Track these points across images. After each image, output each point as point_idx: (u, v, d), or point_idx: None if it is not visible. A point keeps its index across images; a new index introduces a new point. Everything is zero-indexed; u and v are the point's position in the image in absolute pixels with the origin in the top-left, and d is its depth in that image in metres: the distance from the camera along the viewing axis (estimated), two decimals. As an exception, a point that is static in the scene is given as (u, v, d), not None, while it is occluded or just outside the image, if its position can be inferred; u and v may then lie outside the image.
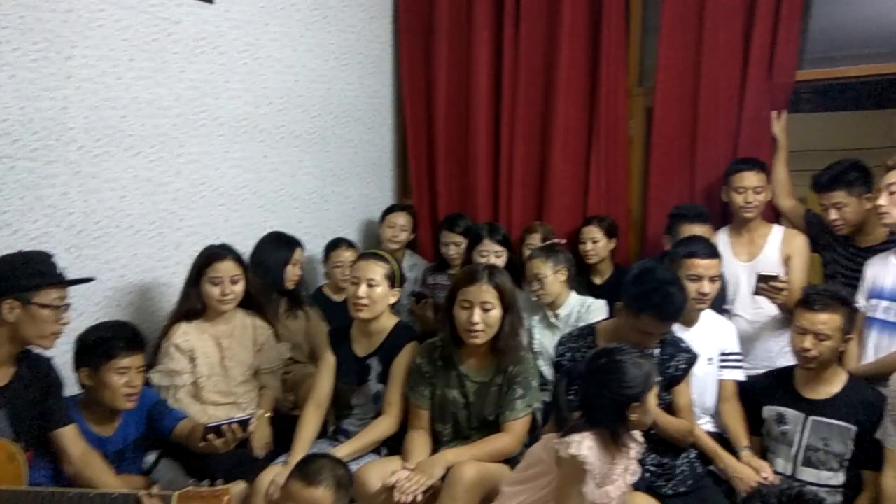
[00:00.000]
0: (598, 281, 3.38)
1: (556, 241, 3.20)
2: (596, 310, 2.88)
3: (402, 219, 3.65)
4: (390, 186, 4.17)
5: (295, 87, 3.44)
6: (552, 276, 2.89)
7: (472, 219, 3.60)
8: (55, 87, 2.47)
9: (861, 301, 2.60)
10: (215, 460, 2.31)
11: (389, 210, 3.70)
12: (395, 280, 2.49)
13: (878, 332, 2.51)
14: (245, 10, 3.16)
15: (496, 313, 2.25)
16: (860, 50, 3.25)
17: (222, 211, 3.10)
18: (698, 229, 2.95)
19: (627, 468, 1.93)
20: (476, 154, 3.80)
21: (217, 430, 2.20)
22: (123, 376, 2.21)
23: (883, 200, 2.46)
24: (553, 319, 2.94)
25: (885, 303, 2.50)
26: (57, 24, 2.47)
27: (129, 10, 2.69)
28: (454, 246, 3.43)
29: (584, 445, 1.83)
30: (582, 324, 2.75)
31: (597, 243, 3.33)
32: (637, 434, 1.98)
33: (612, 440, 1.89)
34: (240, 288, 2.61)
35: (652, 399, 1.90)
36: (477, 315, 2.23)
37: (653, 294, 2.14)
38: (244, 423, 2.26)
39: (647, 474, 2.25)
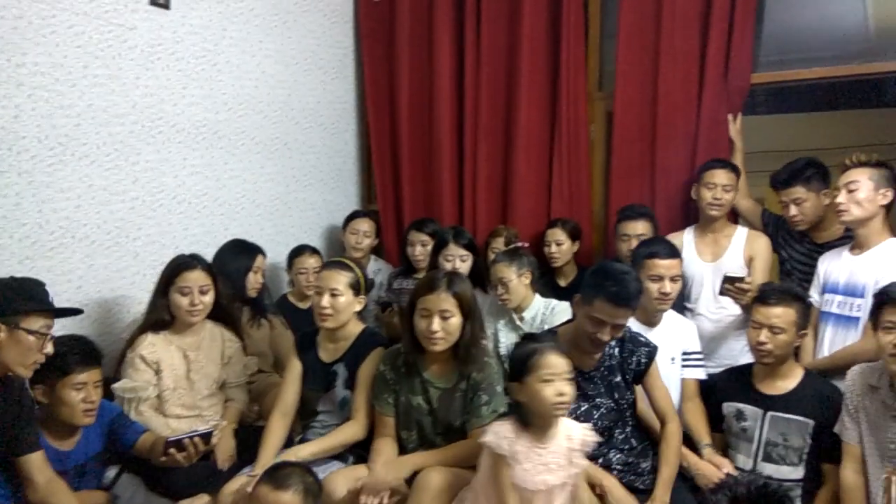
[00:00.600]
0: (562, 283, 3.40)
1: (519, 244, 3.21)
2: (560, 312, 2.90)
3: (365, 224, 3.63)
4: (354, 192, 4.15)
5: (255, 93, 3.41)
6: (516, 279, 2.90)
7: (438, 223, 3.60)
8: (6, 95, 2.42)
9: (815, 296, 2.67)
10: (178, 474, 2.29)
11: (353, 216, 3.68)
12: (359, 288, 2.47)
13: (833, 326, 2.58)
14: (202, 16, 3.12)
15: (455, 321, 2.24)
16: (812, 53, 3.34)
17: (181, 219, 3.05)
18: (640, 227, 3.05)
19: (568, 457, 1.96)
20: (440, 159, 3.81)
21: (178, 444, 2.17)
22: (80, 392, 2.17)
23: (842, 198, 2.53)
24: (518, 322, 2.95)
25: (838, 297, 2.57)
26: (7, 31, 2.41)
27: (82, 16, 2.64)
28: (420, 245, 3.42)
29: (499, 432, 1.93)
30: (547, 326, 2.78)
31: (561, 246, 3.36)
32: (574, 426, 2.02)
33: (524, 425, 1.95)
34: (209, 299, 2.57)
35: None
36: (436, 323, 2.22)
37: (607, 280, 2.18)
38: (206, 436, 2.23)
39: (614, 473, 2.28)
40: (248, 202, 3.40)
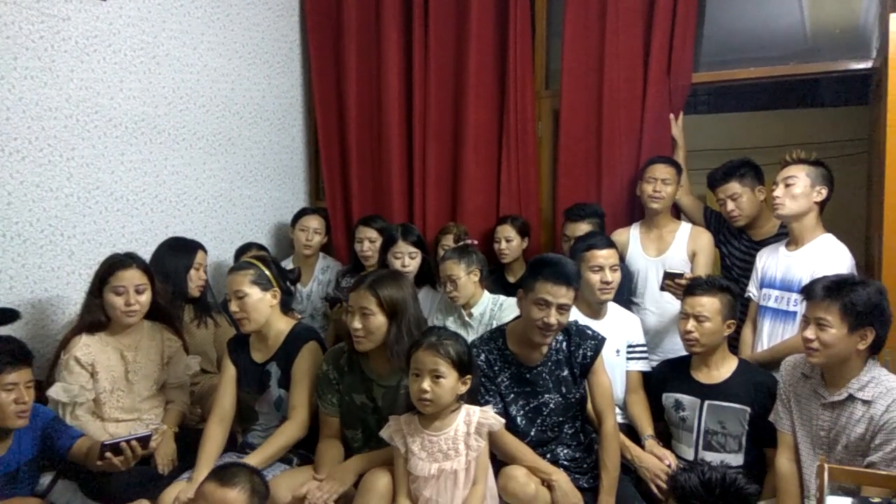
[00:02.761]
0: (511, 279, 3.42)
1: (468, 241, 3.22)
2: (508, 308, 2.91)
3: (314, 222, 3.59)
4: (302, 189, 4.10)
5: (196, 87, 3.33)
6: (465, 276, 2.90)
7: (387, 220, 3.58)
8: (-72, 87, 2.31)
9: (754, 291, 2.74)
10: (116, 479, 2.23)
11: (301, 213, 3.63)
12: (269, 281, 2.42)
13: (771, 320, 2.65)
14: (140, 7, 3.03)
15: (377, 319, 2.22)
16: (751, 54, 3.43)
17: (119, 217, 2.96)
18: (584, 228, 3.12)
19: (465, 441, 2.03)
20: (389, 156, 3.78)
21: (115, 448, 2.11)
22: (11, 393, 2.09)
23: (779, 192, 2.60)
24: (467, 318, 2.96)
25: (775, 292, 2.64)
26: (-73, 19, 2.30)
27: (12, 6, 2.54)
28: (368, 241, 3.39)
29: (392, 426, 2.08)
30: (495, 322, 2.79)
31: (510, 242, 3.38)
32: (475, 410, 2.07)
33: (419, 415, 2.05)
34: (146, 298, 2.49)
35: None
36: (357, 321, 2.21)
37: (544, 266, 2.26)
38: (145, 440, 2.18)
39: (561, 468, 2.30)
40: (190, 199, 3.32)
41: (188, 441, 2.47)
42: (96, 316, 2.46)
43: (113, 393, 2.46)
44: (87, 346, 2.43)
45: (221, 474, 1.88)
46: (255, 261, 2.49)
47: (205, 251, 2.98)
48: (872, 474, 1.88)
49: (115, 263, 2.47)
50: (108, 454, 2.11)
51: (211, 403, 2.57)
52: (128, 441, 2.13)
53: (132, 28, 3.00)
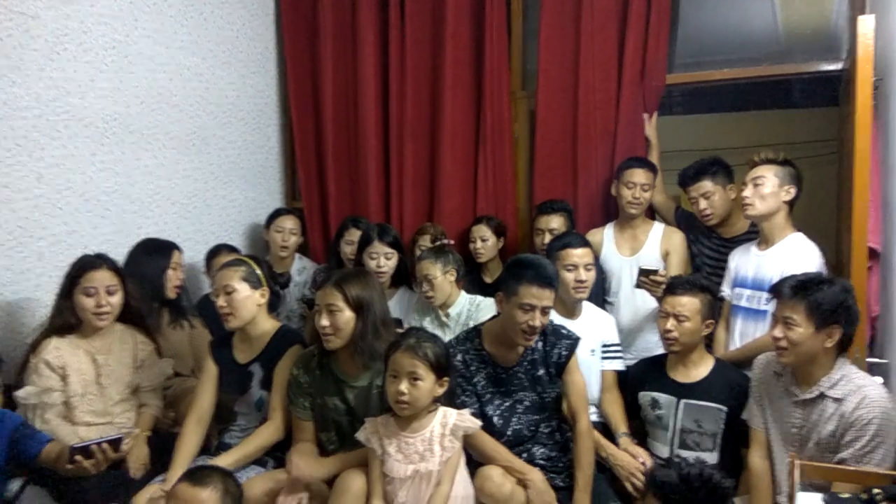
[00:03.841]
0: (488, 279, 3.43)
1: (444, 241, 3.21)
2: (485, 308, 2.91)
3: (290, 222, 3.56)
4: (278, 189, 4.07)
5: (169, 86, 3.29)
6: (441, 276, 2.90)
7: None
8: None
9: (726, 290, 2.77)
10: (87, 484, 2.20)
11: (277, 214, 3.60)
12: (258, 280, 2.41)
13: (743, 319, 2.68)
14: (111, 5, 2.99)
15: (344, 316, 2.21)
16: (725, 55, 3.47)
17: (90, 218, 2.91)
18: (554, 221, 3.17)
19: (441, 443, 2.04)
20: (366, 155, 3.77)
21: (85, 451, 2.07)
22: (-23, 398, 2.05)
23: (748, 192, 2.63)
24: (444, 319, 2.95)
25: (747, 291, 2.67)
26: None
27: (-22, 3, 2.48)
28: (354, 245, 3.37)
29: (368, 428, 2.08)
30: (472, 322, 2.79)
31: (486, 242, 3.38)
32: (451, 412, 2.08)
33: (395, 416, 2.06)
34: (117, 300, 2.46)
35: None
36: (324, 318, 2.21)
37: (525, 268, 2.27)
38: (116, 443, 2.14)
39: (538, 468, 2.30)
40: (163, 199, 3.28)
41: (161, 445, 2.44)
42: (66, 318, 2.42)
43: (84, 396, 2.42)
44: (57, 349, 2.39)
45: (194, 474, 1.87)
46: (248, 258, 2.47)
47: (180, 251, 2.95)
48: (842, 471, 1.91)
49: (86, 264, 2.43)
50: (78, 457, 2.07)
51: (186, 405, 2.55)
52: (98, 444, 2.10)
53: (103, 26, 2.95)
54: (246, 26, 3.75)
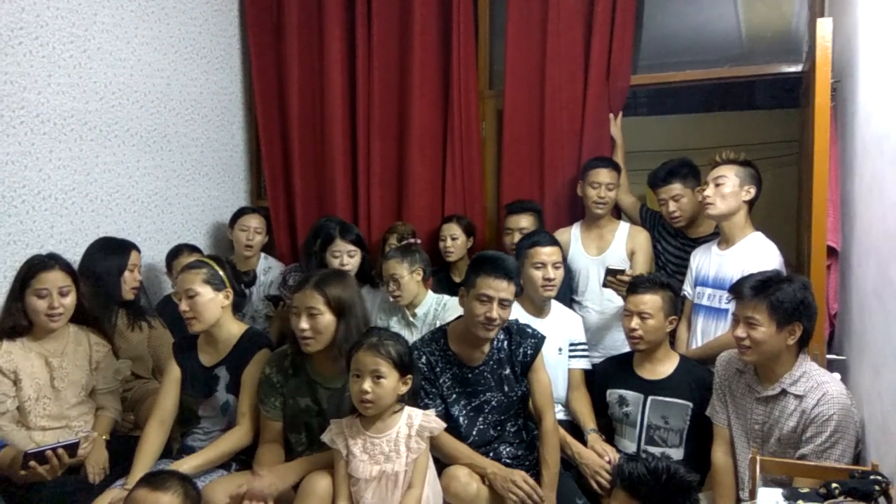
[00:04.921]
0: (457, 279, 3.42)
1: (410, 241, 3.20)
2: (452, 307, 2.90)
3: (255, 221, 3.51)
4: (243, 188, 4.01)
5: (130, 82, 3.21)
6: (408, 276, 2.89)
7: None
8: None
9: (688, 289, 2.81)
10: (44, 490, 2.14)
11: (241, 212, 3.54)
12: (222, 281, 2.37)
13: (704, 317, 2.72)
14: (69, -1, 2.91)
15: (325, 319, 2.18)
16: (689, 57, 3.51)
17: (47, 217, 2.84)
18: (524, 220, 3.18)
19: (406, 444, 2.02)
20: (333, 153, 3.73)
21: (40, 456, 2.02)
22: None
23: (709, 191, 2.66)
24: (411, 319, 2.94)
25: (709, 290, 2.71)
26: None
27: (-73, -6, 2.40)
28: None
29: (333, 429, 2.06)
30: (439, 322, 2.78)
31: (456, 240, 3.37)
32: (416, 413, 2.08)
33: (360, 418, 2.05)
34: (70, 301, 2.39)
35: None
36: (304, 321, 2.17)
37: (484, 262, 2.30)
38: (73, 447, 2.10)
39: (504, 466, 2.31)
40: (123, 198, 3.20)
41: (120, 448, 2.39)
42: (18, 320, 2.35)
43: (38, 401, 2.36)
44: (8, 353, 2.33)
45: (153, 479, 1.83)
46: (210, 260, 2.42)
47: (138, 251, 2.89)
48: (802, 465, 1.94)
49: (37, 265, 2.36)
50: (33, 463, 2.03)
51: (147, 408, 2.50)
52: (53, 449, 2.04)
53: (61, 20, 2.87)
54: (209, 21, 3.69)
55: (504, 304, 2.26)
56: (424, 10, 3.54)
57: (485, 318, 2.24)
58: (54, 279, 2.35)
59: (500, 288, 2.24)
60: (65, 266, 2.40)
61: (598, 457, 2.44)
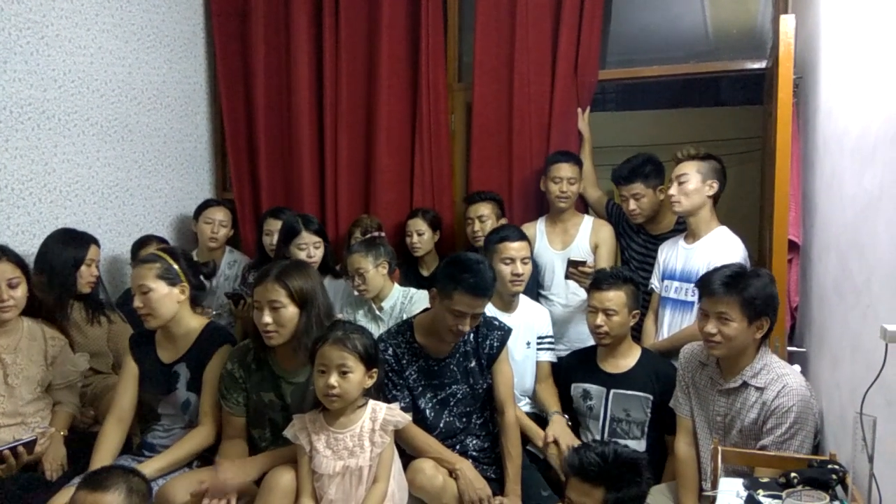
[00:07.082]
0: (425, 273, 3.41)
1: (375, 234, 3.17)
2: (419, 300, 2.89)
3: (220, 214, 3.45)
4: (207, 180, 3.94)
5: (90, 70, 3.13)
6: (373, 269, 2.87)
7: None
8: None
9: (656, 283, 2.84)
10: (1, 487, 2.07)
11: (206, 205, 3.48)
12: (177, 275, 2.31)
13: (671, 310, 2.75)
14: (26, -17, 2.83)
15: (288, 312, 2.15)
16: (656, 53, 3.53)
17: (3, 207, 2.76)
18: (483, 208, 3.21)
19: (371, 438, 2.01)
20: (300, 146, 3.69)
21: None
22: None
23: (673, 190, 2.69)
24: (378, 312, 2.92)
25: (675, 283, 2.74)
26: None
27: None
28: (277, 234, 3.28)
29: (296, 424, 2.03)
30: (406, 315, 2.77)
31: (422, 235, 3.35)
32: (381, 406, 2.06)
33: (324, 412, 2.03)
34: (20, 293, 2.30)
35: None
36: (266, 315, 2.13)
37: (464, 272, 2.21)
38: (30, 445, 2.04)
39: (470, 460, 2.31)
40: (82, 189, 3.12)
41: (80, 445, 2.33)
42: None
43: (-8, 398, 2.29)
44: (-43, 349, 2.25)
45: (92, 479, 1.75)
46: (163, 253, 2.35)
47: (98, 245, 2.81)
48: (762, 456, 1.97)
49: None
50: (-11, 462, 1.97)
51: (107, 403, 2.43)
52: (11, 448, 1.98)
53: (17, 5, 2.79)
54: (172, 9, 3.61)
55: (477, 316, 2.26)
56: (393, 1, 3.51)
57: (456, 329, 2.23)
58: (3, 271, 2.26)
59: (477, 305, 2.22)
60: (13, 257, 2.32)
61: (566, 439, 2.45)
